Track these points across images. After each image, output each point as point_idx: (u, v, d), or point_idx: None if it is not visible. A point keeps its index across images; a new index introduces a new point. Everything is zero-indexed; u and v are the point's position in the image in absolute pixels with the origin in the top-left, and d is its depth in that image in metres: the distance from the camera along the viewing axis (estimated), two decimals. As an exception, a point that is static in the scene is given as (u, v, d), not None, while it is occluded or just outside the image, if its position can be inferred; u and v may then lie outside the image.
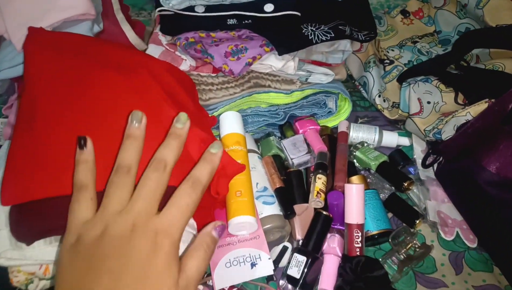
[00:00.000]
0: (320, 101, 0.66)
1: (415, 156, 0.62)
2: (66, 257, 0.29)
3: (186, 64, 0.58)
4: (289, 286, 0.48)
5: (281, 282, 0.49)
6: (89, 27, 0.53)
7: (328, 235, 0.52)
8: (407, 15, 0.83)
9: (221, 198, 0.49)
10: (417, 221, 0.55)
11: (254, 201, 0.51)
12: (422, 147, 0.63)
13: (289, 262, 0.50)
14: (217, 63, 0.56)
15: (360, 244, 0.50)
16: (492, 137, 0.48)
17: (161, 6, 0.58)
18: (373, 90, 0.70)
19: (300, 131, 0.63)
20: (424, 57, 0.74)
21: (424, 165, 0.57)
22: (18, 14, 0.54)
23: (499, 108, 0.47)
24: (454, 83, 0.58)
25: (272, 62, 0.59)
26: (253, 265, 0.49)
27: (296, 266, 0.48)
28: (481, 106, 0.52)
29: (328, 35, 0.60)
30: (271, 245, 0.54)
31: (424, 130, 0.57)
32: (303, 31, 0.60)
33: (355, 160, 0.63)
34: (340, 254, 0.51)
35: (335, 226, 0.54)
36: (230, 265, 0.49)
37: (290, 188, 0.57)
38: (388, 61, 0.74)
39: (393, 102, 0.70)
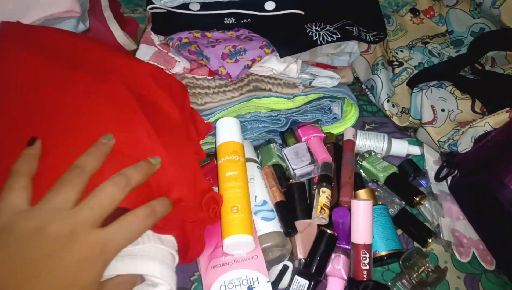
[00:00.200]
0: (324, 106, 0.61)
1: (426, 167, 0.57)
2: None
3: (179, 66, 0.53)
4: (290, 312, 0.44)
5: (281, 307, 0.45)
6: (74, 25, 0.49)
7: (333, 255, 0.48)
8: (417, 13, 0.78)
9: (213, 214, 0.45)
10: (430, 240, 0.50)
11: (251, 218, 0.47)
12: (434, 157, 0.58)
13: (289, 285, 0.45)
14: (213, 65, 0.52)
15: (368, 266, 0.46)
16: (515, 151, 0.43)
17: (152, 3, 0.53)
18: (382, 95, 0.65)
19: (303, 138, 0.58)
20: (436, 59, 0.70)
21: (438, 178, 0.53)
22: (-2, 11, 0.49)
23: (524, 119, 0.42)
24: (470, 89, 0.54)
25: (273, 64, 0.55)
26: (250, 288, 0.45)
27: (298, 290, 0.44)
28: (501, 116, 0.47)
29: (334, 36, 0.55)
30: (270, 264, 0.49)
31: (438, 140, 0.52)
32: (307, 32, 0.55)
33: (361, 171, 0.59)
34: (346, 277, 0.46)
35: (341, 245, 0.49)
36: (225, 289, 0.44)
37: (292, 202, 0.52)
38: (397, 63, 0.69)
39: (403, 108, 0.65)
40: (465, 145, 0.48)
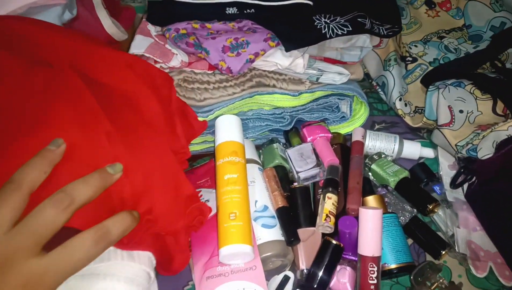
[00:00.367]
0: (332, 104, 0.57)
1: (441, 172, 0.53)
2: None
3: (177, 59, 0.49)
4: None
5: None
6: (58, 14, 0.45)
7: (338, 267, 0.44)
8: (433, 6, 0.73)
9: (197, 223, 0.41)
10: (443, 252, 0.46)
11: (251, 225, 0.44)
12: (449, 161, 0.54)
13: (290, 299, 0.42)
14: (212, 59, 0.48)
15: (376, 280, 0.42)
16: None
17: (149, -10, 0.50)
18: (393, 93, 0.61)
19: (308, 139, 0.54)
20: (452, 55, 0.65)
21: (454, 185, 0.49)
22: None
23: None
24: (492, 88, 0.49)
25: (278, 59, 0.51)
26: (247, 302, 0.41)
27: (299, 306, 0.40)
28: (527, 119, 0.43)
29: (345, 28, 0.51)
30: (270, 273, 0.46)
31: (456, 145, 0.48)
32: (315, 24, 0.51)
33: (370, 174, 0.55)
34: (352, 292, 0.43)
35: (347, 256, 0.46)
36: (221, 301, 0.41)
37: (295, 208, 0.49)
38: (410, 59, 0.65)
39: (416, 107, 0.61)
40: (485, 150, 0.44)
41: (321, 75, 0.54)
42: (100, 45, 0.43)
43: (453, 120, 0.50)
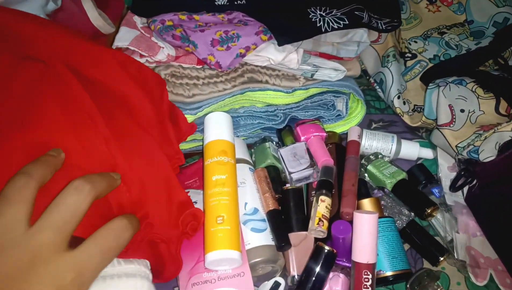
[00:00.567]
0: (327, 102, 0.55)
1: (440, 174, 0.51)
2: None
3: (163, 52, 0.47)
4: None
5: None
6: (41, 4, 0.43)
7: (331, 274, 0.42)
8: (434, 0, 0.71)
9: (191, 231, 0.39)
10: (441, 259, 0.44)
11: (239, 230, 0.41)
12: (449, 163, 0.52)
13: (280, 307, 0.40)
14: (201, 53, 0.45)
15: (370, 288, 0.40)
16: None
17: (134, -21, 0.47)
18: (392, 90, 0.59)
19: (302, 138, 0.52)
20: (453, 51, 0.63)
21: (453, 188, 0.46)
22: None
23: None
24: (495, 87, 0.47)
25: (271, 54, 0.48)
26: (234, 310, 0.39)
27: (289, 316, 0.38)
28: (532, 120, 0.41)
29: (341, 22, 0.49)
30: (260, 279, 0.44)
31: (457, 146, 0.46)
32: (310, 17, 0.49)
33: (366, 175, 0.52)
34: (345, 300, 0.41)
35: (340, 262, 0.44)
36: (207, 310, 0.39)
37: (286, 210, 0.46)
38: (409, 55, 0.63)
39: (415, 105, 0.59)
40: (488, 153, 0.42)
41: (316, 71, 0.52)
42: (90, 41, 0.41)
43: (454, 119, 0.48)
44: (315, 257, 0.41)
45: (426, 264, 0.46)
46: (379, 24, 0.53)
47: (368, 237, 0.40)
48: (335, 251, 0.41)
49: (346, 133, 0.55)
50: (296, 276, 0.43)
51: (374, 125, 0.60)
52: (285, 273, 0.45)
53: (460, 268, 0.44)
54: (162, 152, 0.41)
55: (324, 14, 0.49)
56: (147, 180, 0.35)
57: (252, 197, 0.47)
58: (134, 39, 0.47)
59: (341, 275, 0.42)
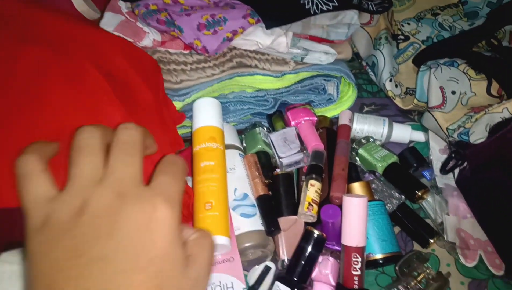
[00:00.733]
0: (318, 86, 0.54)
1: (431, 157, 0.51)
2: (34, 246, 0.22)
3: (148, 38, 0.46)
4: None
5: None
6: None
7: (320, 258, 0.42)
8: (427, -19, 0.69)
9: (185, 212, 0.39)
10: (431, 241, 0.44)
11: (228, 216, 0.41)
12: (440, 145, 0.52)
13: (269, 292, 0.40)
14: (186, 37, 0.45)
15: (360, 271, 0.40)
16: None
17: (117, -39, 0.46)
18: (384, 73, 0.58)
19: (292, 122, 0.52)
20: (446, 32, 0.62)
21: (444, 170, 0.46)
22: None
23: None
24: (487, 68, 0.46)
25: (259, 37, 0.48)
26: (224, 295, 0.39)
27: (278, 299, 0.38)
28: (523, 101, 0.40)
29: (331, 4, 0.48)
30: (250, 264, 0.44)
31: (447, 128, 0.46)
32: (299, -2, 0.48)
33: (357, 159, 0.52)
34: (334, 283, 0.41)
35: (330, 246, 0.44)
36: (196, 295, 0.39)
37: (276, 196, 0.46)
38: (402, 37, 0.62)
39: (407, 88, 0.58)
40: (478, 134, 0.41)
41: (306, 55, 0.51)
42: (90, 25, 0.40)
43: (445, 101, 0.47)
44: (304, 241, 0.41)
45: (417, 247, 0.46)
46: (370, 6, 0.52)
47: (357, 220, 0.40)
48: (324, 235, 0.41)
49: (338, 118, 0.55)
50: (286, 261, 0.43)
51: (366, 109, 0.60)
52: (275, 257, 0.45)
53: (450, 250, 0.45)
54: (165, 139, 0.41)
55: (313, -5, 0.48)
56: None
57: (242, 183, 0.46)
58: (119, 25, 0.46)
59: (331, 259, 0.42)
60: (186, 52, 0.49)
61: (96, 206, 0.22)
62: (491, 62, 0.47)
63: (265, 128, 0.54)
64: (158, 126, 0.42)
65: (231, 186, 0.45)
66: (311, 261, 0.40)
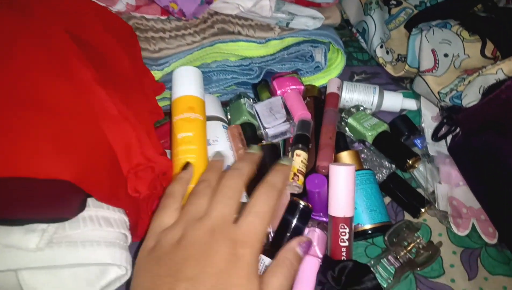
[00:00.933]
0: (305, 53, 0.52)
1: (423, 125, 0.49)
2: (143, 262, 0.29)
3: (122, 2, 0.43)
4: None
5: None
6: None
7: (306, 229, 0.40)
8: None
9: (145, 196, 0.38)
10: (422, 210, 0.43)
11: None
12: (433, 112, 0.50)
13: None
14: (162, 0, 0.41)
15: (347, 242, 0.39)
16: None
17: None
18: (374, 39, 0.55)
19: (278, 92, 0.49)
20: (441, -4, 0.59)
21: (436, 137, 0.44)
22: None
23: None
24: (481, 29, 0.44)
25: (240, 0, 0.45)
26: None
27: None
28: (518, 61, 0.38)
29: (315, -38, 0.45)
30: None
31: (439, 92, 0.43)
32: (282, -43, 0.45)
33: (347, 129, 0.50)
34: (321, 255, 0.39)
35: (317, 217, 0.42)
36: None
37: (262, 168, 0.44)
38: (394, 2, 0.59)
39: (399, 55, 0.56)
40: (471, 97, 0.39)
41: (291, 20, 0.48)
42: None
43: (437, 65, 0.45)
44: (290, 213, 0.39)
45: (408, 217, 0.45)
46: (359, -35, 0.49)
47: (344, 190, 0.39)
48: (310, 205, 0.39)
49: (326, 87, 0.53)
50: (271, 233, 0.42)
51: (356, 77, 0.57)
52: (261, 231, 0.43)
53: (442, 219, 0.43)
54: (144, 107, 0.40)
55: (297, -46, 0.45)
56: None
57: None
58: (90, -12, 0.43)
59: (317, 230, 0.40)
60: (163, 18, 0.47)
61: (191, 237, 0.28)
62: (486, 22, 0.44)
63: (250, 99, 0.51)
64: (136, 92, 0.40)
65: (213, 159, 0.43)
66: (297, 233, 0.39)
